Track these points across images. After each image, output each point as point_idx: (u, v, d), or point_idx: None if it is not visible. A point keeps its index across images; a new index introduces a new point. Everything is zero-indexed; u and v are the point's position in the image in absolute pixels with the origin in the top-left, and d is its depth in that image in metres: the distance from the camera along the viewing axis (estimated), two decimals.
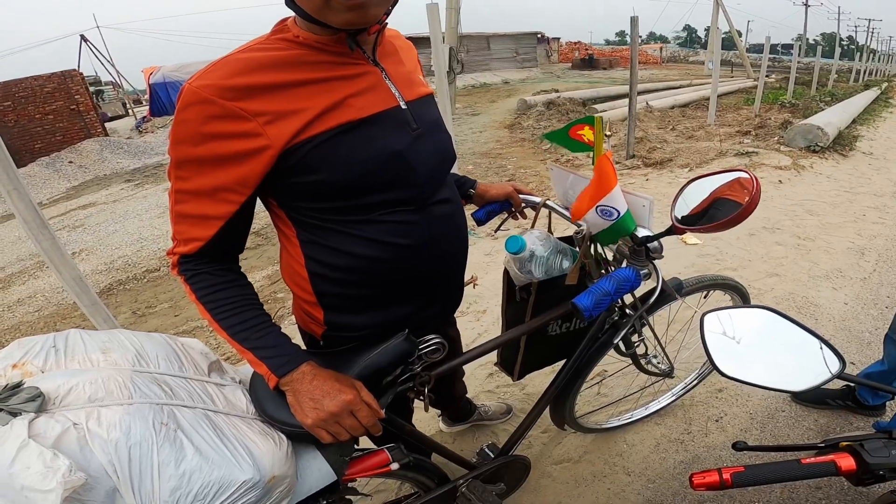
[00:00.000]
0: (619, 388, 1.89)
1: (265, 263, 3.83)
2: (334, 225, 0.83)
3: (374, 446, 1.04)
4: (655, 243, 1.04)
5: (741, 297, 1.59)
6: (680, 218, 1.02)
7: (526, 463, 1.36)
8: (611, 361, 1.47)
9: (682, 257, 3.10)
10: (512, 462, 1.32)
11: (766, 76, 10.58)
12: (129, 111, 18.21)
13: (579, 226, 1.07)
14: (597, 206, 1.01)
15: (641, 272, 1.05)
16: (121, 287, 4.00)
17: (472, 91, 17.34)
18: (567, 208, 1.16)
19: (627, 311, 1.21)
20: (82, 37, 22.06)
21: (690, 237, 3.32)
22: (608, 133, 1.02)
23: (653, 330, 1.33)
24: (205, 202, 0.76)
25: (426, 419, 1.88)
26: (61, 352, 0.92)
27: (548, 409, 1.42)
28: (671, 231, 1.00)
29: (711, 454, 1.71)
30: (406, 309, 0.95)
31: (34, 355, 0.90)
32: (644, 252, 1.05)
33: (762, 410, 1.86)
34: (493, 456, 1.31)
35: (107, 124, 13.41)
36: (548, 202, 1.21)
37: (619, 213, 1.01)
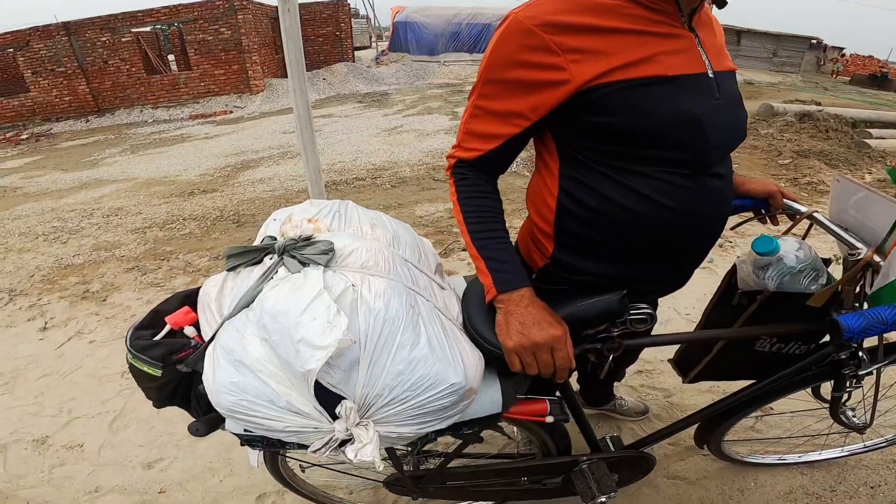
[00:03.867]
0: (776, 429, 1.65)
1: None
2: (604, 168, 0.82)
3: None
4: None
5: None
6: None
7: (651, 463, 1.25)
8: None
9: None
10: (639, 458, 1.23)
11: None
12: (372, 44, 20.33)
13: (855, 248, 0.88)
14: None
15: None
16: (333, 186, 4.73)
17: None
18: (842, 227, 0.97)
19: (861, 354, 1.01)
20: None
21: None
22: None
23: (878, 381, 1.10)
24: (496, 121, 0.81)
25: None
26: (342, 216, 0.98)
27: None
28: None
29: None
30: (636, 270, 0.91)
31: (325, 215, 0.97)
32: None
33: None
34: (613, 449, 1.23)
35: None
36: (815, 213, 1.02)
37: None
